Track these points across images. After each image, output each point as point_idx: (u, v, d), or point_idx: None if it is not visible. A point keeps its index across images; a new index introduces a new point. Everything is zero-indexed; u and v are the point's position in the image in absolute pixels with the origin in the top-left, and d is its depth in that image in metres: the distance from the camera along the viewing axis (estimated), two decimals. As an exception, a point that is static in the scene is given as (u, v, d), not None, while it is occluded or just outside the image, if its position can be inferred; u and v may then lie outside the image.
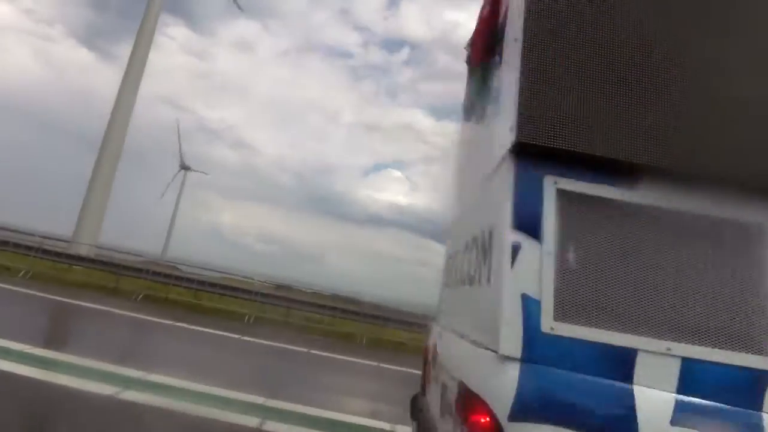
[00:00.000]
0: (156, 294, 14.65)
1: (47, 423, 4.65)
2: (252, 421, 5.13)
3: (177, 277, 15.47)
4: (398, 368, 10.61)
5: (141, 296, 14.10)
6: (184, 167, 48.40)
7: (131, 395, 5.22)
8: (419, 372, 10.78)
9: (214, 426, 4.87)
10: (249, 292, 14.79)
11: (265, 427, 5.03)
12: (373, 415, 6.33)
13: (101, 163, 25.11)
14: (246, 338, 10.85)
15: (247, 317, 13.71)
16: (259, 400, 5.95)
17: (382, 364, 10.62)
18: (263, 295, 14.73)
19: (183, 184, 49.02)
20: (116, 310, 11.20)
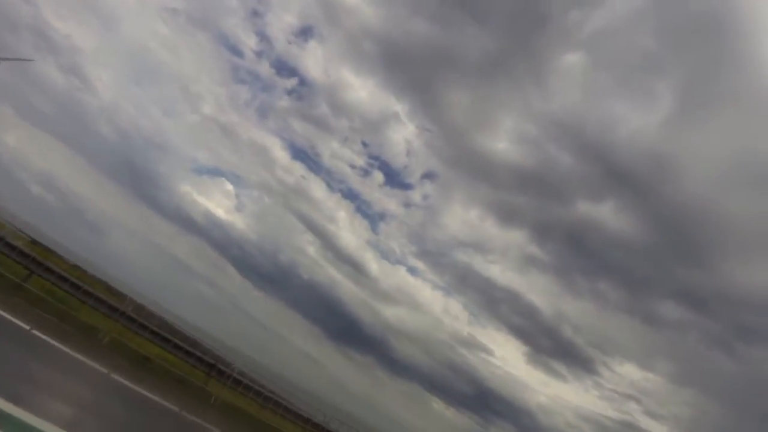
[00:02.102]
0: None
1: None
2: None
3: None
4: (129, 384, 9.53)
5: None
6: (-5, 56, 38.83)
7: None
8: (151, 395, 10.03)
9: None
10: (-9, 235, 12.06)
11: None
12: (74, 429, 5.54)
13: None
14: (-45, 287, 8.70)
15: (-29, 262, 11.05)
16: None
17: (113, 374, 9.42)
18: (8, 245, 12.12)
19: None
20: None
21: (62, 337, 9.62)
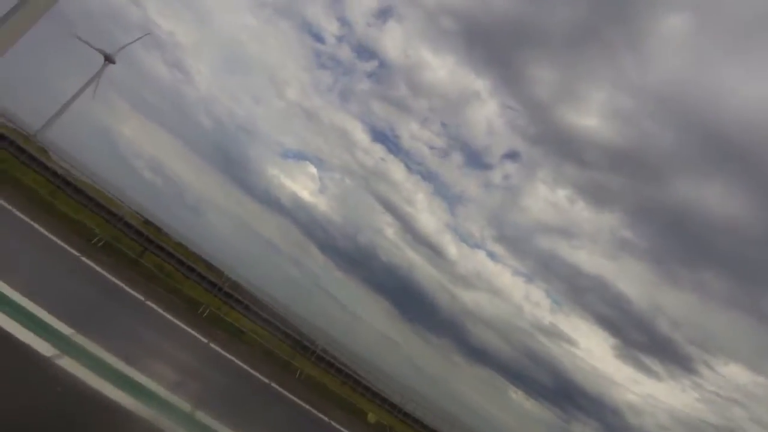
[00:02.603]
0: (9, 171, 12.99)
1: None
2: (49, 350, 4.83)
3: (41, 163, 13.88)
4: (225, 353, 10.46)
5: (-11, 166, 12.41)
6: (108, 59, 43.51)
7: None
8: (245, 365, 10.83)
9: (6, 340, 4.52)
10: (112, 214, 13.71)
11: (59, 362, 4.76)
12: (177, 389, 6.23)
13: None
14: (85, 260, 10.04)
15: (97, 239, 12.66)
16: (67, 331, 5.60)
17: (212, 344, 10.39)
18: (126, 224, 13.72)
19: (99, 74, 43.93)
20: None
21: (170, 308, 10.77)
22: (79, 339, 5.62)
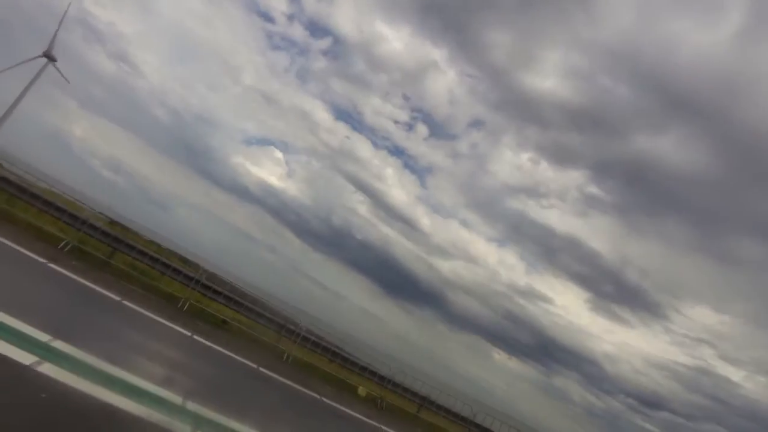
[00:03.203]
0: (-43, 182, 12.36)
1: None
2: (28, 358, 4.75)
3: (-8, 173, 13.22)
4: (210, 344, 10.44)
5: (-64, 178, 11.78)
6: (49, 57, 41.18)
7: None
8: (231, 353, 10.91)
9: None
10: (75, 217, 13.25)
11: (40, 368, 4.69)
12: (167, 384, 6.23)
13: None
14: (53, 266, 9.76)
15: (63, 243, 12.27)
16: (44, 338, 5.49)
17: (195, 336, 10.35)
18: (91, 226, 13.31)
19: (39, 74, 41.58)
20: None
21: (148, 306, 10.62)
22: (58, 344, 5.53)
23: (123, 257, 13.38)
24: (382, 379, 15.57)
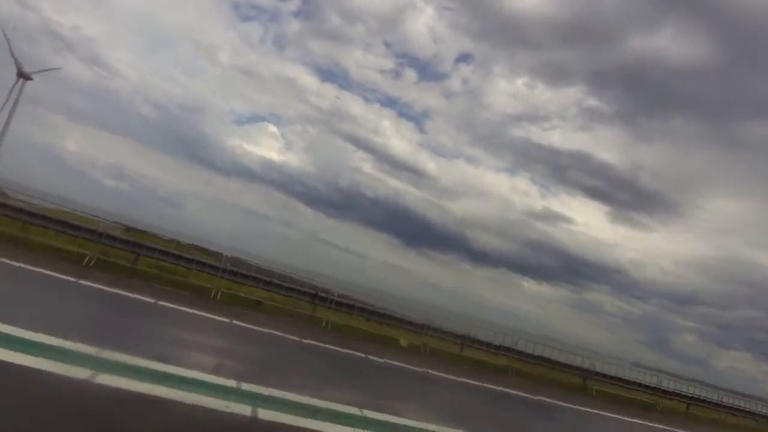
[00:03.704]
0: (-30, 220, 12.47)
1: None
2: (83, 372, 4.88)
3: (1, 204, 13.31)
4: (250, 326, 10.70)
5: (-51, 221, 11.91)
6: (23, 75, 40.50)
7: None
8: (272, 331, 11.16)
9: (42, 377, 4.54)
10: (92, 231, 13.36)
11: (97, 380, 4.83)
12: (218, 371, 6.42)
13: None
14: (84, 282, 9.94)
15: (87, 259, 12.46)
16: (92, 351, 5.64)
17: (234, 321, 10.59)
18: (109, 236, 13.44)
19: (19, 94, 41.03)
20: None
21: (182, 301, 10.85)
22: (107, 354, 5.68)
23: (147, 260, 13.56)
24: (420, 327, 15.92)
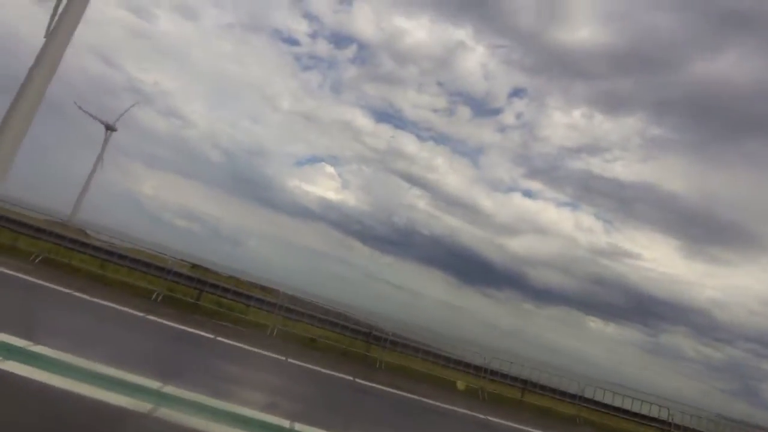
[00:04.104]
0: (58, 258, 13.60)
1: None
2: (144, 406, 5.03)
3: (83, 243, 14.46)
4: (305, 364, 10.70)
5: (40, 259, 13.05)
6: (109, 127, 44.91)
7: (10, 366, 4.92)
8: (326, 370, 11.06)
9: (103, 409, 4.73)
10: (161, 269, 14.15)
11: (156, 414, 4.96)
12: (272, 409, 6.41)
13: (18, 106, 22.67)
14: (151, 317, 10.43)
15: (155, 295, 13.13)
16: (155, 384, 5.82)
17: (289, 359, 10.65)
18: (176, 273, 14.16)
19: (105, 144, 45.44)
20: (9, 271, 10.33)
21: (240, 338, 11.10)
22: (169, 389, 5.83)
23: (209, 297, 14.10)
24: (478, 370, 15.26)
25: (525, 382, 15.59)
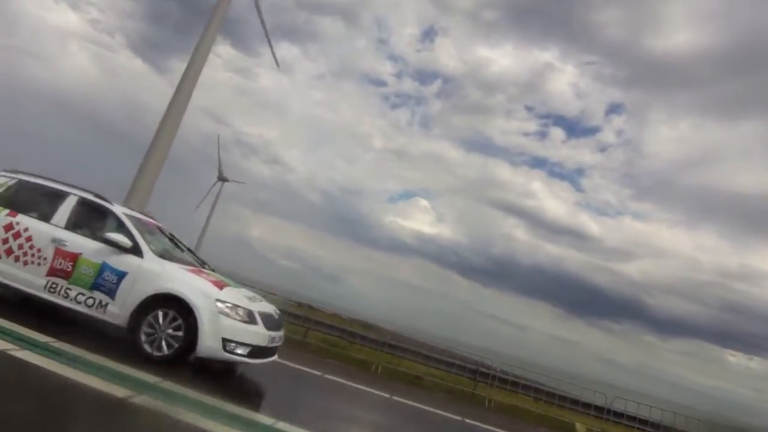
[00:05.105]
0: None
1: None
2: (260, 443, 5.21)
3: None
4: (410, 402, 10.50)
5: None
6: (222, 179, 50.07)
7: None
8: (432, 408, 10.74)
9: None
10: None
11: (272, 451, 5.10)
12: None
13: (146, 168, 26.14)
14: (263, 355, 10.95)
15: (266, 333, 13.86)
16: (269, 421, 6.03)
17: (394, 397, 10.53)
18: (284, 312, 14.86)
19: (218, 195, 50.59)
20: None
21: (346, 375, 11.24)
22: (281, 425, 6.01)
23: (315, 334, 14.59)
24: (599, 411, 13.87)
25: (656, 426, 13.83)
